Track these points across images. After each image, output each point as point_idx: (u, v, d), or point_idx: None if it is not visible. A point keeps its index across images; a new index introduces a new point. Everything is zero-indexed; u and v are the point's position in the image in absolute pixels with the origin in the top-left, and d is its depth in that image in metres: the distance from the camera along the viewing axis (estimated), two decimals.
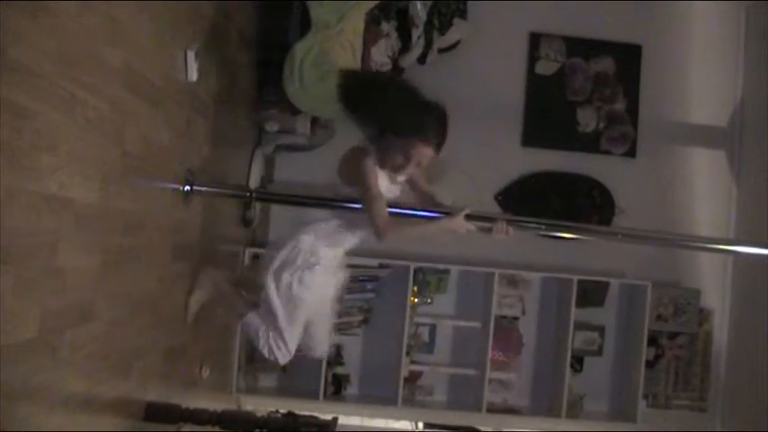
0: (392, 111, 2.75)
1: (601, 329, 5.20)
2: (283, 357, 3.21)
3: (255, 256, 4.82)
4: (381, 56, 4.44)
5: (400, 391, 4.83)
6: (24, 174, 1.82)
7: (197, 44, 3.05)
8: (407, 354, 4.91)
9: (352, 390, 5.11)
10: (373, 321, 5.10)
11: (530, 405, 5.20)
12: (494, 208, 5.05)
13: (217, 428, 3.17)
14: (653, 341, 5.13)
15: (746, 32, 5.30)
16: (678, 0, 5.31)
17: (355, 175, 2.86)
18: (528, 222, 3.46)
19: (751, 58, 5.25)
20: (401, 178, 2.95)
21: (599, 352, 5.21)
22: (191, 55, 3.03)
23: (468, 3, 4.97)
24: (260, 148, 4.62)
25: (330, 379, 4.94)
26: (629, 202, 5.16)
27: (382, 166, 2.85)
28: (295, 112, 4.44)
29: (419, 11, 4.54)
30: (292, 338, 3.15)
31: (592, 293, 5.10)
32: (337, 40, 4.04)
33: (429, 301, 5.10)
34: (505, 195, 5.14)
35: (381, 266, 4.98)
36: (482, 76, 5.17)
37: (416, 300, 5.00)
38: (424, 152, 2.79)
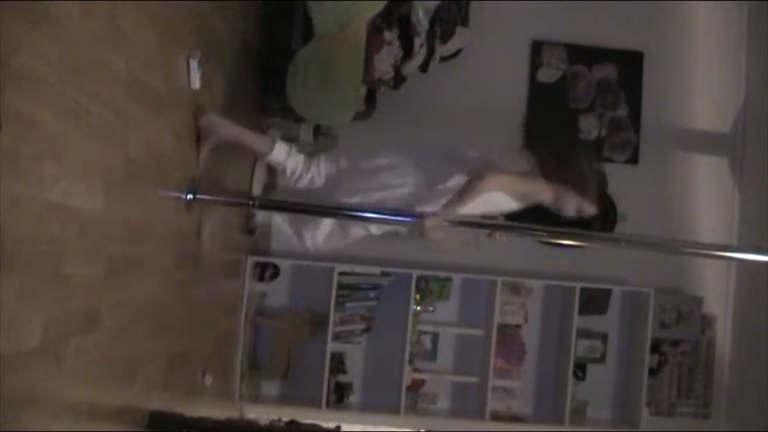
0: (586, 180, 3.25)
1: (603, 337, 5.19)
2: (311, 241, 3.67)
3: (257, 264, 4.84)
4: (384, 64, 4.44)
5: (403, 400, 4.83)
6: (28, 182, 1.82)
7: (199, 52, 3.06)
8: (410, 362, 4.90)
9: (354, 398, 5.10)
10: (376, 329, 5.09)
11: (533, 412, 5.19)
12: None
13: None
14: (656, 348, 5.12)
15: (748, 38, 5.31)
16: (680, 4, 5.32)
17: (538, 174, 3.26)
18: (531, 229, 3.46)
19: (753, 64, 5.25)
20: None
21: (602, 359, 5.20)
22: (193, 63, 3.03)
23: (470, 11, 4.98)
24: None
25: (332, 387, 4.93)
26: (631, 209, 5.16)
27: (555, 202, 3.29)
28: (298, 119, 4.45)
29: (421, 19, 4.54)
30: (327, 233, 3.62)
31: (594, 301, 5.10)
32: (340, 48, 4.05)
33: (431, 309, 5.10)
34: None
35: (384, 274, 4.98)
36: (484, 83, 5.18)
37: (419, 308, 4.99)
38: (592, 210, 3.29)
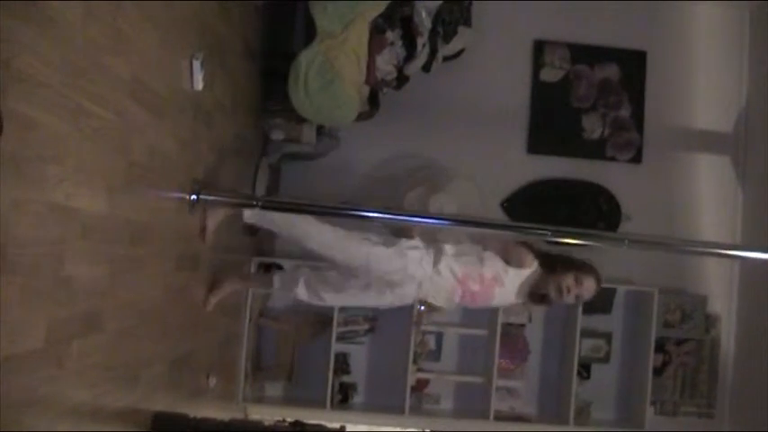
0: None
1: (608, 336, 5.19)
2: (320, 301, 3.86)
3: (260, 266, 4.83)
4: (386, 64, 4.43)
5: (407, 400, 4.82)
6: (31, 184, 1.82)
7: (202, 53, 3.06)
8: (414, 362, 4.89)
9: (358, 398, 5.11)
10: (380, 330, 5.09)
11: (537, 412, 5.19)
12: (500, 215, 5.05)
13: None
14: (660, 348, 5.11)
15: (751, 37, 5.30)
16: (683, 4, 5.32)
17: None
18: (534, 229, 3.46)
19: (756, 63, 5.24)
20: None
21: (606, 359, 5.19)
22: (196, 64, 3.03)
23: (473, 10, 4.98)
24: (265, 157, 4.62)
25: (337, 387, 4.93)
26: (635, 209, 5.15)
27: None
28: (300, 120, 4.44)
29: (423, 19, 4.53)
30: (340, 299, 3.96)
31: (598, 300, 5.06)
32: (342, 49, 4.04)
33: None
34: (511, 202, 5.14)
35: None
36: (487, 83, 5.18)
37: (423, 307, 4.98)
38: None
